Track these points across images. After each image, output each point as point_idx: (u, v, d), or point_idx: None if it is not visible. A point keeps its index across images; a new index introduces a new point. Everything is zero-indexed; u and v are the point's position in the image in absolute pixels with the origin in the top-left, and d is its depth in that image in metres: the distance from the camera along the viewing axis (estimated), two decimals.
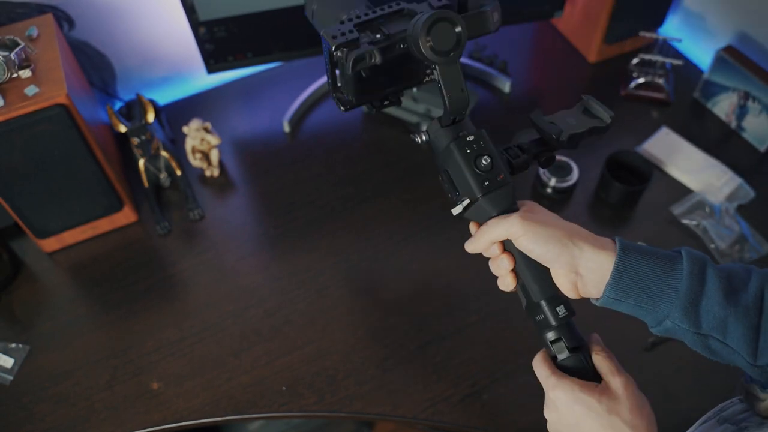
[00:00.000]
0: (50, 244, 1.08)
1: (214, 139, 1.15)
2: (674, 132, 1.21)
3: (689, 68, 1.33)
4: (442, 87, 0.56)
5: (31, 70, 0.91)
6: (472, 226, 0.60)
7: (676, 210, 1.10)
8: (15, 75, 0.90)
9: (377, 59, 0.54)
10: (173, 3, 1.16)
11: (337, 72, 0.59)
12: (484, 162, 0.57)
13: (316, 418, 1.00)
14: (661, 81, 1.26)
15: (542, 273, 0.57)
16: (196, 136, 1.14)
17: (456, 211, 0.59)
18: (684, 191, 1.14)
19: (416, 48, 0.53)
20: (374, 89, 0.61)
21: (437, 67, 0.55)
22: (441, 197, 1.11)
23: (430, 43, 0.52)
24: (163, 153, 1.12)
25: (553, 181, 1.10)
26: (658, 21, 1.31)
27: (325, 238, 1.10)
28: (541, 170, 1.11)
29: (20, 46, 0.91)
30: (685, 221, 1.09)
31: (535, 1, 1.20)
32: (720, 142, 1.21)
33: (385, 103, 0.64)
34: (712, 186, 1.12)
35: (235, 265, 1.07)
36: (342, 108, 0.62)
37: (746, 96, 1.17)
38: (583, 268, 0.55)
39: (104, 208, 1.07)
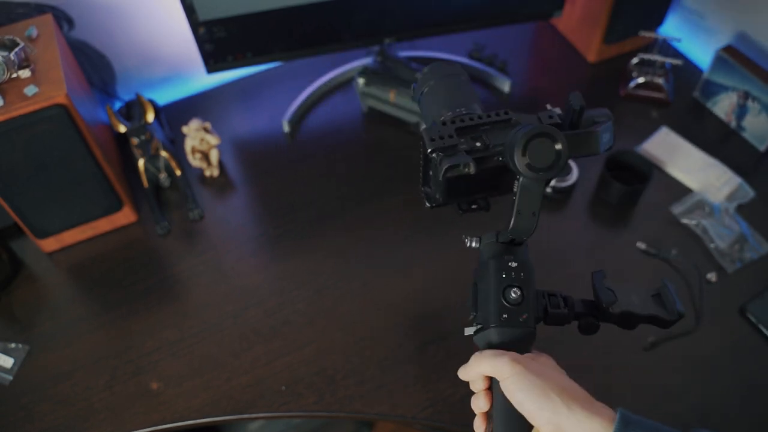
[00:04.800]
0: (50, 244, 1.08)
1: (213, 139, 1.15)
2: (674, 132, 1.21)
3: (689, 68, 1.33)
4: (516, 201, 0.52)
5: (31, 70, 0.91)
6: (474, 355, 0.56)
7: (676, 210, 1.10)
8: (14, 75, 0.90)
9: (471, 170, 0.51)
10: (173, 3, 1.16)
11: (430, 171, 0.56)
12: (513, 294, 0.53)
13: (316, 418, 1.00)
14: (660, 81, 1.26)
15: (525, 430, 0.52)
16: (195, 136, 1.13)
17: (468, 331, 0.55)
18: (684, 191, 1.14)
19: (511, 160, 0.50)
20: (464, 193, 0.58)
21: (520, 178, 0.51)
22: None
23: (527, 160, 0.50)
24: (163, 153, 1.12)
25: (552, 181, 1.10)
26: (658, 21, 1.31)
27: (325, 238, 1.10)
28: None
29: (20, 46, 0.91)
30: (684, 221, 1.09)
31: (534, 1, 1.20)
32: (720, 141, 1.21)
33: (473, 207, 0.60)
34: (711, 186, 1.12)
35: (235, 265, 1.07)
36: (428, 204, 0.59)
37: (746, 96, 1.17)
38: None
39: (104, 208, 1.07)
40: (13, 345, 0.99)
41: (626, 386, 0.92)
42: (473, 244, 0.58)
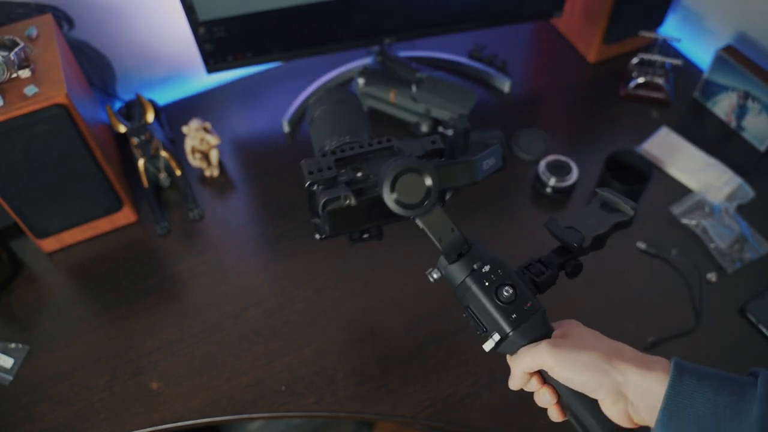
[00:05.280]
0: (50, 244, 1.08)
1: (213, 139, 1.15)
2: (674, 132, 1.21)
3: (689, 68, 1.33)
4: (429, 233, 0.52)
5: (31, 70, 0.91)
6: (510, 361, 0.56)
7: (676, 210, 1.10)
8: (14, 75, 0.90)
9: (352, 202, 0.51)
10: (173, 3, 1.16)
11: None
12: (506, 293, 0.52)
13: (316, 418, 1.00)
14: (660, 81, 1.26)
15: (596, 404, 0.51)
16: (195, 136, 1.14)
17: (488, 347, 0.54)
18: (684, 191, 1.14)
19: (382, 196, 0.48)
20: (353, 223, 0.58)
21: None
22: None
23: (396, 196, 0.48)
24: (163, 153, 1.12)
25: (552, 181, 1.10)
26: (658, 21, 1.31)
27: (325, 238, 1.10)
28: (541, 170, 1.11)
29: (20, 46, 0.91)
30: (684, 221, 1.09)
31: (534, 1, 1.20)
32: (720, 141, 1.21)
33: (365, 236, 0.60)
34: (711, 186, 1.12)
35: (235, 265, 1.07)
36: (317, 236, 0.58)
37: (746, 96, 1.17)
38: (632, 394, 0.48)
39: (104, 208, 1.07)
40: (13, 345, 0.99)
41: None
42: (435, 276, 0.56)
